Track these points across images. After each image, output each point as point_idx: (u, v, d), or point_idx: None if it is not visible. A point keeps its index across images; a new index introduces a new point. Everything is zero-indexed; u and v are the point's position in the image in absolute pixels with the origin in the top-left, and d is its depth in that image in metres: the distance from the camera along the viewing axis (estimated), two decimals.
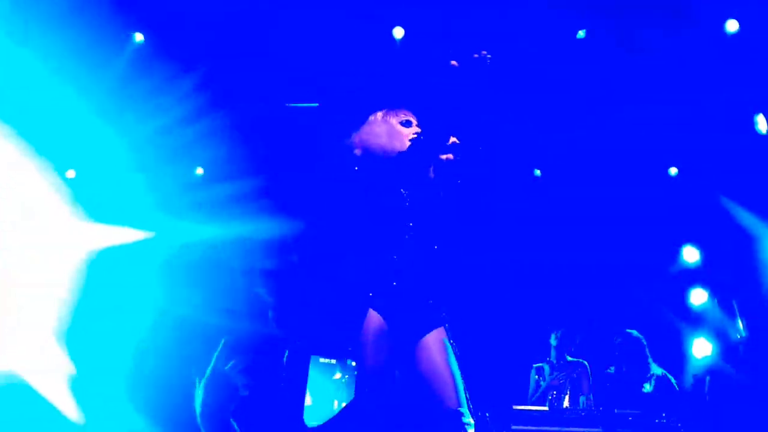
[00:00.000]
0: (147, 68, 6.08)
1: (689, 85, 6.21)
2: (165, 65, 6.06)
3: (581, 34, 6.30)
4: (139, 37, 6.14)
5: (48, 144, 6.05)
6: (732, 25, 6.03)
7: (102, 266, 6.15)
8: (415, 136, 2.93)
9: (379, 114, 3.08)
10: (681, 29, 5.82)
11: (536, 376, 5.85)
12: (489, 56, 2.66)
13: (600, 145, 7.05)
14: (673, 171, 7.24)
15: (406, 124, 3.00)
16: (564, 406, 5.44)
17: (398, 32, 6.40)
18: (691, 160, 6.97)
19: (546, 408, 5.30)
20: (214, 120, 6.30)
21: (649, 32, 5.82)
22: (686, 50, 5.98)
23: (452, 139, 2.94)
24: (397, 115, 3.03)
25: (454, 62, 2.70)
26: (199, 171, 6.99)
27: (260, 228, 5.89)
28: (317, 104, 6.34)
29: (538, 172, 7.47)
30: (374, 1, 6.00)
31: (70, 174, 6.49)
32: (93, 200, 6.32)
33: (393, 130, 3.00)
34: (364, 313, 2.78)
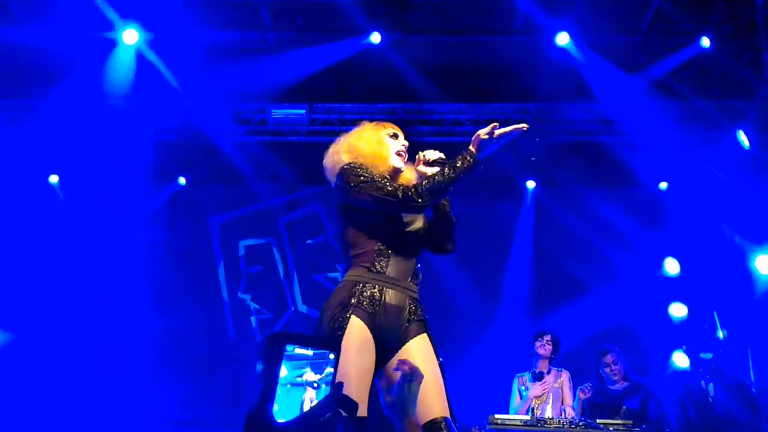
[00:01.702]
0: None
1: None
2: None
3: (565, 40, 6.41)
4: None
5: None
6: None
7: None
8: (403, 148, 3.09)
9: (368, 124, 3.16)
10: None
11: (519, 386, 5.82)
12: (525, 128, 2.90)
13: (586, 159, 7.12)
14: (663, 185, 7.34)
15: (394, 136, 3.11)
16: (546, 416, 5.42)
17: (375, 38, 6.47)
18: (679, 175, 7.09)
19: (528, 417, 5.28)
20: None
21: None
22: None
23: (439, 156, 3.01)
24: (385, 128, 3.13)
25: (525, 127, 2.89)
26: None
27: None
28: None
29: (531, 184, 7.51)
30: None
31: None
32: None
33: (382, 139, 3.08)
34: (347, 320, 2.75)
